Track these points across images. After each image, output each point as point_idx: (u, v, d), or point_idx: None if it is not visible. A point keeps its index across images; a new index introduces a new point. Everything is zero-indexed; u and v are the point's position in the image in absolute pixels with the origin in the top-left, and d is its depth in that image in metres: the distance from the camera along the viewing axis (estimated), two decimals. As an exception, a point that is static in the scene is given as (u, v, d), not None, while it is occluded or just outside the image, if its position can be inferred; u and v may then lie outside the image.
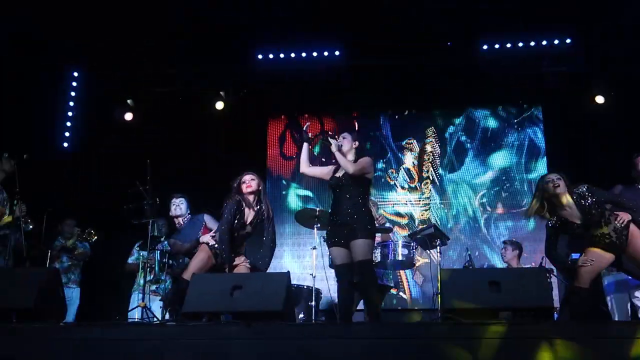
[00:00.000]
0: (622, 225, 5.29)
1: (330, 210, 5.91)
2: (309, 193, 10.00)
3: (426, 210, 9.74)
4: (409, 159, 10.01)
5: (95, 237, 7.97)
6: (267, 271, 6.19)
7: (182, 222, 6.84)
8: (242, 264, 6.04)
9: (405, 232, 9.39)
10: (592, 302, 5.55)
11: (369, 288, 5.64)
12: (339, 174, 5.87)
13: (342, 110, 10.20)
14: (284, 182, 10.18)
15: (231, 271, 5.99)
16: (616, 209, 5.40)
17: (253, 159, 9.37)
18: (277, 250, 9.20)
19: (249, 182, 6.17)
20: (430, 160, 9.90)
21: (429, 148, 9.97)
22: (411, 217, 9.74)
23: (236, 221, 6.04)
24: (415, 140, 10.03)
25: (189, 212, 6.88)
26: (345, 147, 5.90)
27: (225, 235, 5.98)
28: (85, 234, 7.96)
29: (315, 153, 6.11)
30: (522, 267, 7.69)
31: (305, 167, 6.06)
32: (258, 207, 6.16)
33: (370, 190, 5.99)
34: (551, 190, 5.43)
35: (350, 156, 5.89)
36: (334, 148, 5.84)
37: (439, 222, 9.48)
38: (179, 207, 6.86)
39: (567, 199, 5.42)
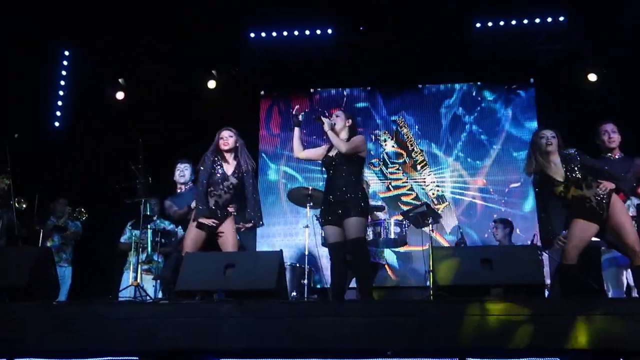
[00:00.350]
0: (604, 192, 5.31)
1: (323, 189, 5.92)
2: (296, 172, 9.98)
3: (422, 168, 9.75)
4: (388, 145, 9.97)
5: (86, 216, 7.98)
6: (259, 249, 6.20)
7: (183, 189, 6.80)
8: (231, 237, 5.91)
9: (412, 197, 9.44)
10: (582, 279, 5.56)
11: (361, 266, 5.67)
12: (332, 152, 5.85)
13: (334, 88, 10.16)
14: (271, 159, 10.14)
15: (219, 226, 5.91)
16: (600, 177, 5.41)
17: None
18: (268, 229, 9.31)
19: (226, 139, 6.02)
20: (410, 138, 9.86)
21: (404, 130, 9.94)
22: (411, 188, 9.76)
23: (217, 175, 5.94)
24: (387, 130, 10.00)
25: (192, 179, 6.82)
26: (338, 126, 5.87)
27: (201, 188, 5.88)
28: (76, 213, 7.96)
29: (301, 119, 6.01)
30: (513, 244, 7.73)
31: (298, 152, 6.02)
32: (236, 162, 6.03)
33: (363, 169, 5.99)
34: (543, 147, 5.43)
35: (344, 134, 5.86)
36: (326, 127, 5.80)
37: (436, 190, 9.53)
38: (183, 172, 6.81)
39: (555, 157, 5.44)
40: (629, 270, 6.43)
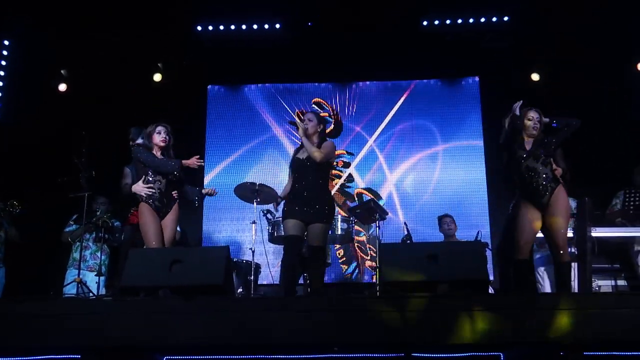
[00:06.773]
0: (553, 172, 5.45)
1: (290, 189, 5.91)
2: (241, 167, 9.87)
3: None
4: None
5: (20, 208, 7.08)
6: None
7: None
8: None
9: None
10: (527, 274, 5.70)
11: (316, 271, 5.74)
12: (302, 155, 5.88)
13: (282, 83, 10.11)
14: (217, 153, 9.99)
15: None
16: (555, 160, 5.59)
17: (190, 134, 9.25)
18: (215, 224, 9.25)
19: (165, 136, 5.86)
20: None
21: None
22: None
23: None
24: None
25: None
26: (310, 130, 5.92)
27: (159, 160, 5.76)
28: (8, 206, 7.07)
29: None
30: (459, 240, 7.82)
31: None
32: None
33: (330, 172, 6.05)
34: (530, 130, 5.62)
35: (315, 139, 5.92)
36: (301, 132, 5.85)
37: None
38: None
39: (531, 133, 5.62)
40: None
